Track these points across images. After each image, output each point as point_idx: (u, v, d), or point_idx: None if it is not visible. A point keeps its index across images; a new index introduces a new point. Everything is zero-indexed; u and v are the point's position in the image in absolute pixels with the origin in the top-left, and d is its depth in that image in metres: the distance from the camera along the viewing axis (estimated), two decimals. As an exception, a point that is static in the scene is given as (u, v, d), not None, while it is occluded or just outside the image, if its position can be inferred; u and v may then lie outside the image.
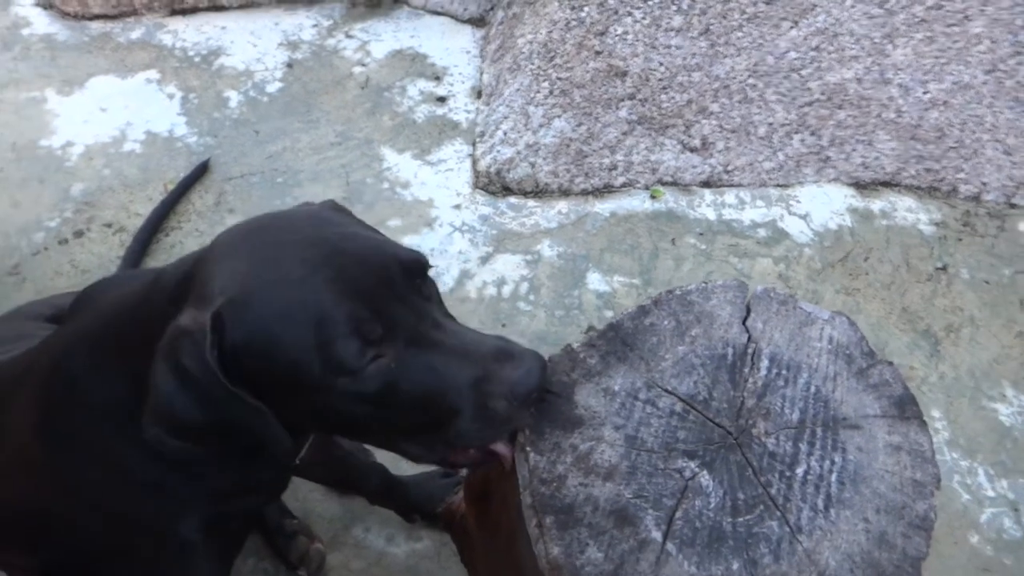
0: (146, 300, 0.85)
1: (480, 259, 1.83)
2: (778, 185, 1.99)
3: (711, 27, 1.87)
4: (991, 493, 1.50)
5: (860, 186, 2.00)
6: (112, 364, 0.87)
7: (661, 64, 1.89)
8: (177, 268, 0.85)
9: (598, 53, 1.89)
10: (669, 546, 0.78)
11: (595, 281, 1.80)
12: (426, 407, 0.78)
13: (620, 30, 1.87)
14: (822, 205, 1.96)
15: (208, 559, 1.00)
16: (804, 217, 1.94)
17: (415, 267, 0.82)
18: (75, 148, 2.04)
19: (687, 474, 0.82)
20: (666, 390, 0.87)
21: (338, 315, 0.73)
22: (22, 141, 2.06)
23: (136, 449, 0.88)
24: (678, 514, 0.79)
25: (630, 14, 1.87)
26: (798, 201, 1.97)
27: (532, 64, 1.95)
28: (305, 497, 1.48)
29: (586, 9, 1.89)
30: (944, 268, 1.85)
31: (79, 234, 1.86)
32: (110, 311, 0.91)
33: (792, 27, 1.88)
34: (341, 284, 0.75)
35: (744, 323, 0.93)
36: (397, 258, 0.80)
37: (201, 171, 1.96)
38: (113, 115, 2.12)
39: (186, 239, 1.85)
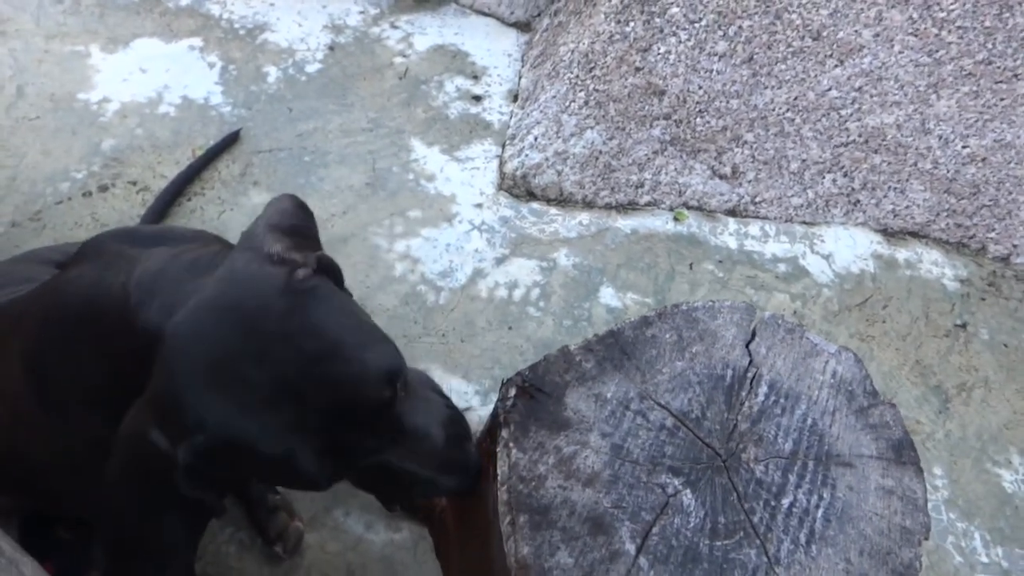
0: (116, 295, 0.85)
1: (495, 260, 1.82)
2: (804, 222, 1.97)
3: (755, 56, 1.85)
4: (984, 559, 1.46)
5: (887, 233, 1.97)
6: (83, 341, 0.88)
7: (700, 87, 1.88)
8: (137, 284, 0.84)
9: (638, 69, 1.88)
10: (642, 560, 0.76)
11: (607, 296, 1.78)
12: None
13: (663, 49, 1.86)
14: (846, 248, 1.93)
15: (182, 520, 1.00)
16: (827, 257, 1.91)
17: (383, 386, 0.79)
18: (111, 104, 2.06)
19: (670, 490, 0.80)
20: (659, 404, 0.86)
21: (301, 456, 0.76)
22: (61, 92, 2.08)
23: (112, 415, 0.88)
24: (655, 529, 0.78)
25: (675, 34, 1.86)
26: (823, 241, 1.94)
27: (571, 73, 1.94)
28: (290, 474, 1.47)
29: (631, 24, 1.88)
30: (964, 326, 1.81)
31: (103, 188, 1.88)
32: (92, 284, 0.90)
33: (837, 65, 1.86)
34: (304, 421, 0.76)
35: (747, 346, 0.91)
36: (364, 384, 0.77)
37: (231, 140, 1.98)
38: (152, 77, 2.14)
39: (207, 206, 1.85)
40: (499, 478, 0.81)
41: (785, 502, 0.80)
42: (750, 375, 0.88)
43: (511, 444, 0.82)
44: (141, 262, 0.87)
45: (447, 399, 0.92)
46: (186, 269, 0.83)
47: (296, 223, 0.87)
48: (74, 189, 1.87)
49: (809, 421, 0.86)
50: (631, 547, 0.76)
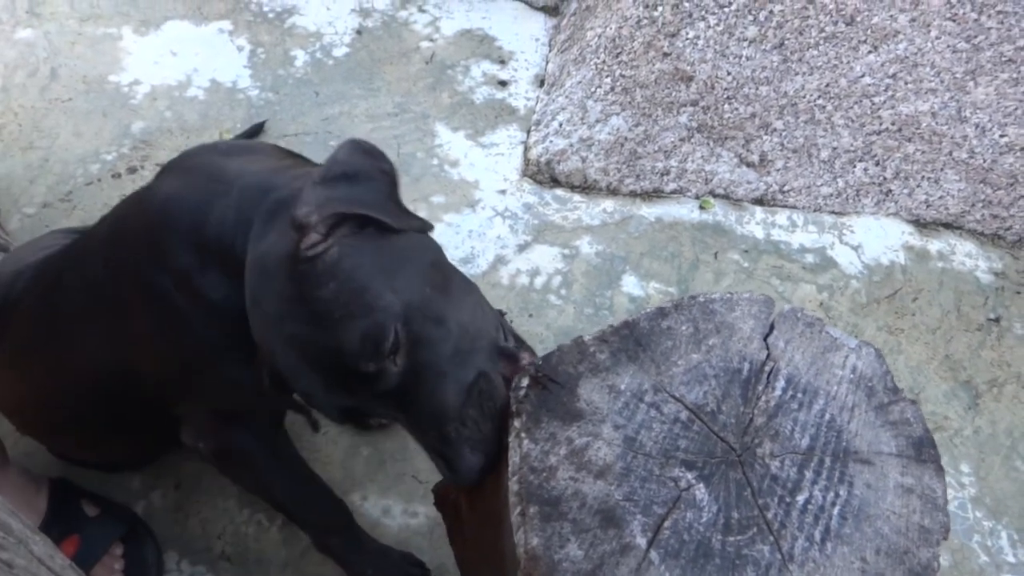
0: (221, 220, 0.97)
1: (518, 247, 1.82)
2: (833, 212, 1.93)
3: (786, 41, 1.81)
4: (1011, 559, 1.43)
5: (920, 224, 1.92)
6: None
7: (729, 73, 1.84)
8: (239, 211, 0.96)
9: (666, 55, 1.85)
10: (652, 555, 0.75)
11: (630, 284, 1.77)
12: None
13: (692, 34, 1.83)
14: (877, 238, 1.89)
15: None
16: (856, 248, 1.87)
17: (360, 361, 0.82)
18: (141, 87, 2.09)
19: (682, 484, 0.79)
20: (673, 396, 0.85)
21: (323, 403, 0.89)
22: (93, 74, 2.11)
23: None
24: (667, 523, 0.77)
25: (704, 19, 1.82)
26: (852, 231, 1.90)
27: (598, 58, 1.92)
28: (308, 459, 1.48)
29: (660, 8, 1.85)
30: (997, 320, 1.77)
31: (132, 170, 1.90)
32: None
33: (871, 51, 1.81)
34: (315, 375, 0.87)
35: (765, 340, 0.89)
36: (341, 356, 0.82)
37: (257, 130, 1.98)
38: (183, 60, 2.16)
39: (233, 189, 1.87)
40: (510, 469, 0.81)
41: (800, 499, 0.79)
42: (767, 369, 0.87)
43: (523, 434, 0.82)
44: (237, 191, 0.98)
45: (487, 382, 0.87)
46: (270, 213, 0.93)
47: (347, 169, 0.90)
48: (104, 171, 1.90)
49: (827, 417, 0.84)
50: (642, 541, 0.76)
